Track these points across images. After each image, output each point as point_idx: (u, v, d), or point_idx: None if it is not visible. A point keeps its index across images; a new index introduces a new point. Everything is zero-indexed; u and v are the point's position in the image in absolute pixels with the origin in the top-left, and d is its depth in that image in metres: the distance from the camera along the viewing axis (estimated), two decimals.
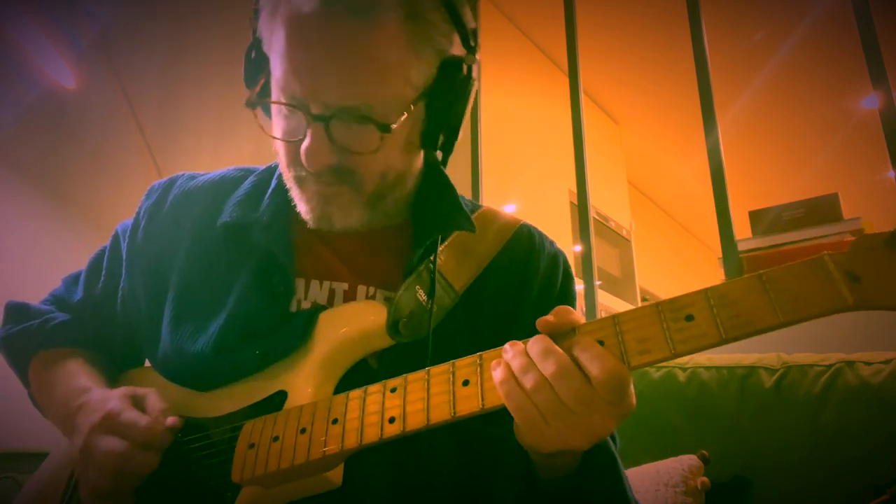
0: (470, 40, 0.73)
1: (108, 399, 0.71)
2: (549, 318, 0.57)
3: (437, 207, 0.81)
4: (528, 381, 0.53)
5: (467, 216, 0.81)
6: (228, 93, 2.56)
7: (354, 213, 0.74)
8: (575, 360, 0.53)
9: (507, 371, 0.55)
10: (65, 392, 0.78)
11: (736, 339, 0.50)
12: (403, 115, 0.68)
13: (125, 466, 0.65)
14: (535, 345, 0.55)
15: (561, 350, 0.54)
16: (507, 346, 0.57)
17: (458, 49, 0.72)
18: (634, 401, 0.56)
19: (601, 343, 0.54)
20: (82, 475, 0.69)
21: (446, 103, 0.72)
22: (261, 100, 0.72)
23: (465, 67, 0.72)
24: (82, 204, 2.41)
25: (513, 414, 0.55)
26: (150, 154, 2.52)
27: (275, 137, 0.72)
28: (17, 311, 0.90)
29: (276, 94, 0.70)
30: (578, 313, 0.58)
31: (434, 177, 0.83)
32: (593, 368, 0.52)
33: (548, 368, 0.53)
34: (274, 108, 0.72)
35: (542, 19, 3.37)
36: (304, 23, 0.64)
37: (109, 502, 0.67)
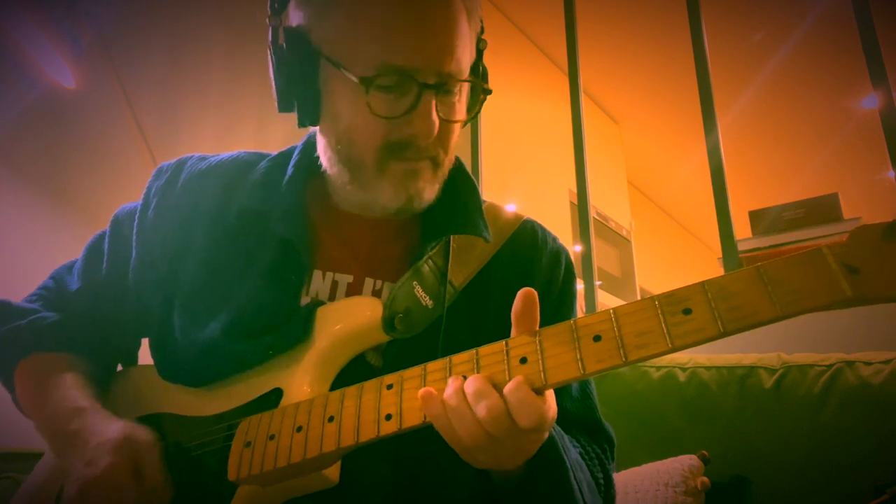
0: (483, 27, 0.77)
1: (105, 450, 0.65)
2: (518, 307, 0.59)
3: (454, 205, 0.80)
4: (462, 429, 0.55)
5: (486, 224, 0.80)
6: (228, 91, 2.57)
7: (435, 188, 0.75)
8: (505, 402, 0.54)
9: (441, 408, 0.56)
10: (55, 408, 0.74)
11: (734, 332, 0.49)
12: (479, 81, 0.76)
13: None
14: (470, 385, 0.55)
15: (494, 394, 0.54)
16: (450, 380, 0.58)
17: (480, 33, 0.77)
18: (551, 412, 0.57)
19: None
20: None
21: (481, 77, 0.77)
22: (376, 77, 0.67)
23: (482, 52, 0.77)
24: (81, 202, 2.41)
25: (448, 442, 0.57)
26: (149, 153, 2.52)
27: (381, 115, 0.68)
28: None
29: (364, 71, 0.67)
30: (536, 312, 0.59)
31: (457, 175, 0.82)
32: (521, 419, 0.53)
33: (480, 411, 0.54)
34: (356, 90, 0.68)
35: (542, 19, 3.38)
36: None
37: None
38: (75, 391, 0.76)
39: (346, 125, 0.72)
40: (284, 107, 0.75)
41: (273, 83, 0.74)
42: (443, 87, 0.69)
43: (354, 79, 0.68)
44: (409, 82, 0.67)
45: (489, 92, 0.76)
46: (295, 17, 0.73)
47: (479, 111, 0.78)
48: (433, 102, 0.68)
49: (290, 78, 0.72)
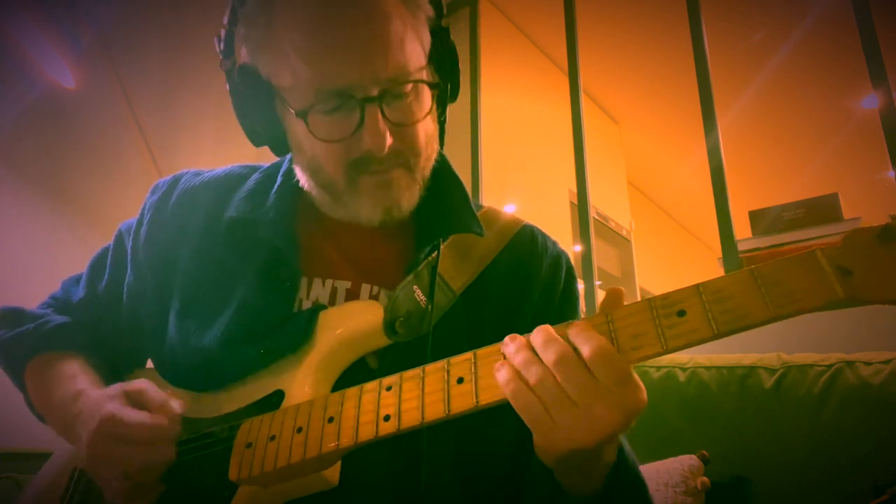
0: (442, 6, 0.75)
1: (102, 402, 0.69)
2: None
3: (444, 206, 0.80)
4: (532, 376, 0.52)
5: (477, 220, 0.80)
6: (228, 91, 2.57)
7: (414, 194, 0.74)
8: (572, 346, 0.53)
9: (511, 370, 0.54)
10: (61, 397, 0.76)
11: (728, 333, 0.50)
12: (432, 75, 0.73)
13: (137, 467, 0.65)
14: (538, 334, 0.54)
15: (560, 338, 0.53)
16: (506, 339, 0.56)
17: (436, 14, 0.75)
18: (644, 396, 0.55)
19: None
20: (98, 480, 0.68)
21: (447, 65, 0.76)
22: (309, 107, 0.67)
23: (448, 31, 0.75)
24: (81, 203, 2.41)
25: (519, 412, 0.54)
26: (149, 154, 2.52)
27: (330, 140, 0.68)
28: (11, 316, 0.88)
29: (303, 99, 0.68)
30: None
31: (443, 174, 0.82)
32: (585, 349, 0.52)
33: (549, 357, 0.52)
34: (305, 117, 0.68)
35: (542, 19, 3.38)
36: (324, 14, 0.66)
37: (135, 500, 0.66)
38: (77, 380, 0.78)
39: (309, 153, 0.72)
40: (256, 142, 0.76)
41: (238, 121, 0.75)
42: (388, 94, 0.68)
43: (292, 112, 0.69)
44: (350, 100, 0.67)
45: (438, 86, 0.73)
46: (244, 54, 0.73)
47: (440, 106, 0.77)
48: (378, 114, 0.67)
49: (250, 114, 0.73)
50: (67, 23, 2.40)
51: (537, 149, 3.37)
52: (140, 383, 0.71)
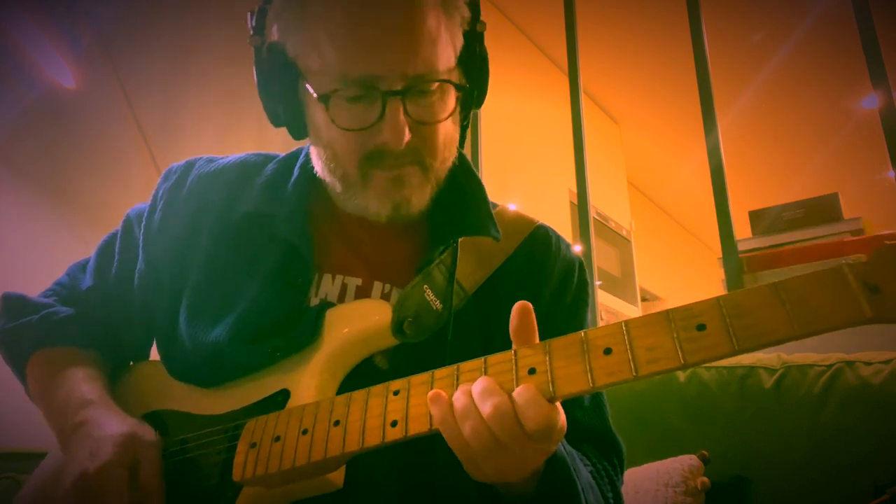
0: (479, 9, 0.75)
1: (108, 444, 0.66)
2: (514, 320, 0.58)
3: (461, 207, 0.79)
4: (467, 428, 0.54)
5: (495, 223, 0.79)
6: (229, 92, 2.56)
7: (426, 193, 0.73)
8: (513, 403, 0.53)
9: (447, 410, 0.55)
10: (64, 401, 0.75)
11: (749, 350, 0.48)
12: (461, 78, 0.72)
13: None
14: (478, 385, 0.55)
15: (502, 394, 0.54)
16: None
17: (472, 17, 0.74)
18: (563, 434, 0.56)
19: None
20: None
21: (476, 70, 0.74)
22: (332, 92, 0.67)
23: (482, 35, 0.74)
24: (81, 202, 2.41)
25: (452, 449, 0.56)
26: (149, 153, 2.52)
27: (348, 129, 0.68)
28: (15, 304, 0.86)
29: (327, 84, 0.67)
30: (532, 325, 0.58)
31: (462, 175, 0.81)
32: (527, 421, 0.52)
33: (485, 409, 0.53)
34: (326, 101, 0.68)
35: (542, 19, 3.37)
36: (361, 2, 0.66)
37: None
38: (84, 384, 0.77)
39: (327, 138, 0.72)
40: (275, 122, 0.76)
41: (261, 100, 0.75)
42: (412, 90, 0.67)
43: (314, 95, 0.68)
44: (374, 91, 0.66)
45: (464, 89, 0.73)
46: (274, 33, 0.72)
47: (464, 109, 0.75)
48: (400, 109, 0.67)
49: (272, 93, 0.73)
50: (67, 23, 2.40)
51: (537, 149, 3.37)
52: (150, 439, 0.69)
